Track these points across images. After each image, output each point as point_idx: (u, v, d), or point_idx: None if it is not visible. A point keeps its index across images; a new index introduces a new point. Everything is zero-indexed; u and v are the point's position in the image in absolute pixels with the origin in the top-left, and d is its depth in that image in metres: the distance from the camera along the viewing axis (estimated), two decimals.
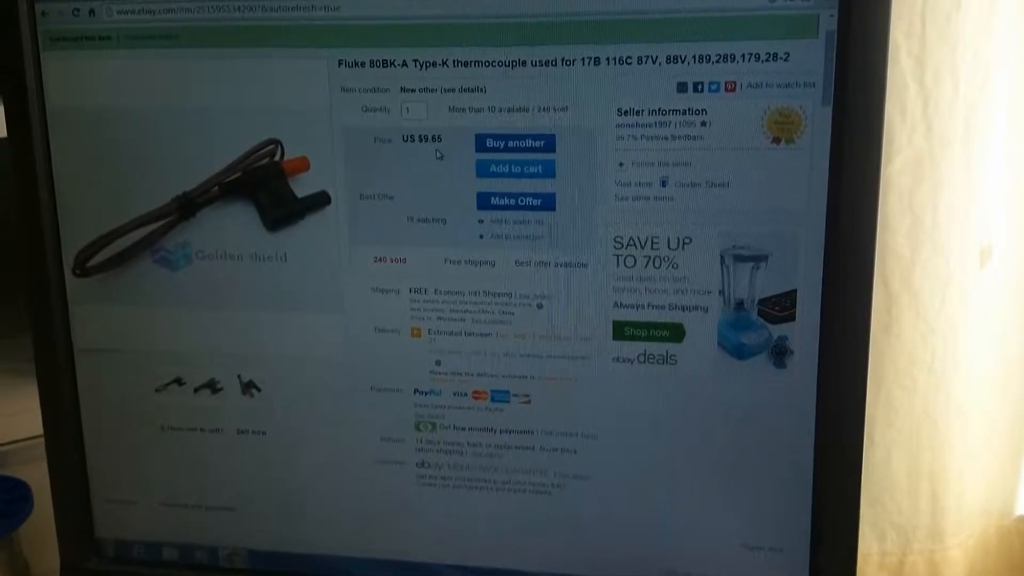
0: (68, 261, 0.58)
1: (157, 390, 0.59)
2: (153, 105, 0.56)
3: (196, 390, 0.59)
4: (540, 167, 0.53)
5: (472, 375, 0.56)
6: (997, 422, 0.78)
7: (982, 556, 0.80)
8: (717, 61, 0.50)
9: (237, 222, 0.56)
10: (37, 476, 0.68)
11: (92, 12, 0.55)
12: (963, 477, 0.77)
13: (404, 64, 0.53)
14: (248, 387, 0.58)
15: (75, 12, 0.55)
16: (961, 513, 0.78)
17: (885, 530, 0.78)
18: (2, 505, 0.70)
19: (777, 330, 0.52)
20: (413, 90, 0.53)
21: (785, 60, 0.49)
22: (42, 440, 0.61)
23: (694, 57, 0.50)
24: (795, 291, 0.52)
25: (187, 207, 0.56)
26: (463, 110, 0.53)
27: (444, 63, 0.52)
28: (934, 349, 0.74)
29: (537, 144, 0.52)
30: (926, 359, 0.74)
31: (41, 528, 0.68)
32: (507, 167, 0.53)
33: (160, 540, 0.62)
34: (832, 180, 0.50)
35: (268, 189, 0.55)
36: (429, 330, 0.56)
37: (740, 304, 0.52)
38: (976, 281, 0.73)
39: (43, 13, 0.55)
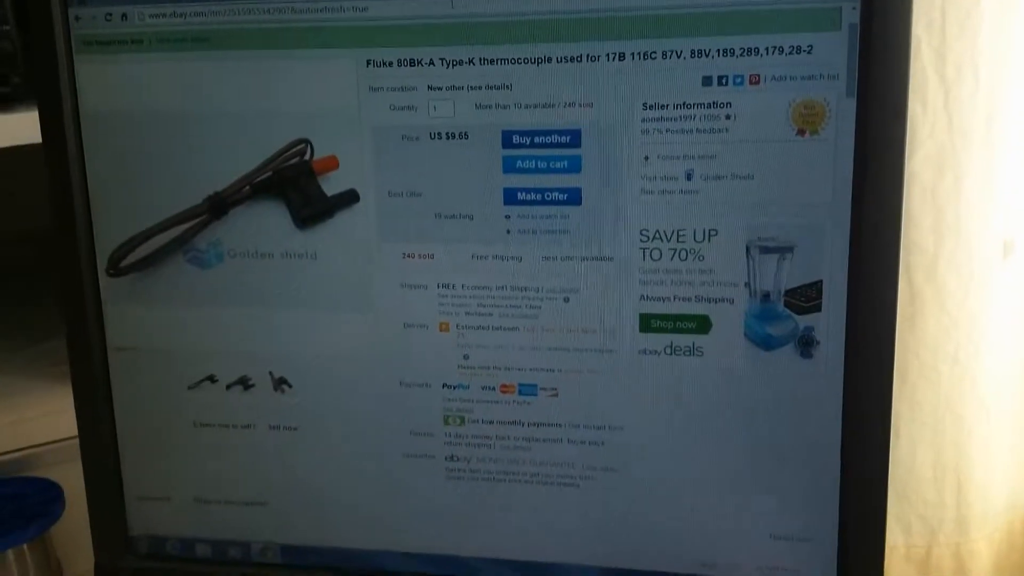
0: (102, 261, 0.59)
1: (190, 387, 0.60)
2: (184, 107, 0.56)
3: (228, 387, 0.60)
4: (566, 162, 0.53)
5: (500, 369, 0.56)
6: (1021, 415, 0.78)
7: (1007, 549, 0.80)
8: (741, 55, 0.50)
9: (268, 221, 0.57)
10: (68, 477, 0.69)
11: (124, 16, 0.56)
12: (988, 470, 0.77)
13: (431, 63, 0.53)
14: (280, 383, 0.59)
15: (108, 17, 0.56)
16: (986, 506, 0.78)
17: (911, 523, 0.78)
18: (35, 506, 0.71)
19: (804, 320, 0.53)
20: (440, 88, 0.54)
21: (808, 53, 0.50)
22: (73, 441, 0.62)
23: (718, 51, 0.51)
24: (821, 282, 0.52)
25: (219, 206, 0.57)
26: (490, 107, 0.53)
27: (470, 61, 0.53)
28: (958, 342, 0.74)
29: (563, 140, 0.53)
30: (950, 352, 0.74)
31: (73, 529, 0.69)
32: (533, 163, 0.54)
33: (193, 536, 0.63)
34: (857, 170, 0.51)
35: (298, 188, 0.56)
36: (457, 325, 0.56)
37: (766, 295, 0.53)
38: (999, 274, 0.74)
39: (76, 18, 0.56)
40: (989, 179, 0.71)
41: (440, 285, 0.56)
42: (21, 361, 0.88)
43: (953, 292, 0.73)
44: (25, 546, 0.70)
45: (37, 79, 0.57)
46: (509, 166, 0.54)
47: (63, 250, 0.59)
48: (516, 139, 0.54)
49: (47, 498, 0.72)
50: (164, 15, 0.55)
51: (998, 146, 0.71)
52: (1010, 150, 0.71)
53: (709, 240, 0.53)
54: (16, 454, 0.78)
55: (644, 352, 0.55)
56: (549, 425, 0.57)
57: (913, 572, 0.78)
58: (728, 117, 0.51)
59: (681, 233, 0.53)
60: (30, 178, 0.69)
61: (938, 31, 0.68)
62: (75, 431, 0.62)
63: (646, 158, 0.52)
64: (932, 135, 0.70)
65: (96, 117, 0.57)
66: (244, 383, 0.60)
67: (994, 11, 0.68)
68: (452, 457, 0.58)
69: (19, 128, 0.70)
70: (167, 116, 0.57)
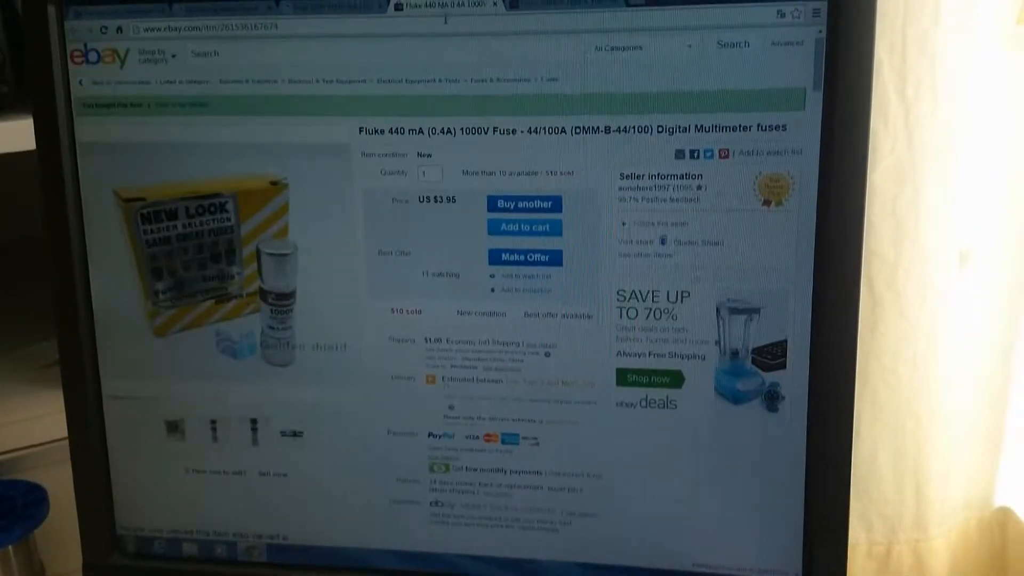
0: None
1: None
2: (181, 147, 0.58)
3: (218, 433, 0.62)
4: (548, 226, 0.56)
5: (484, 419, 0.59)
6: (977, 417, 0.81)
7: (964, 546, 0.83)
8: (712, 130, 0.53)
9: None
10: (52, 480, 0.70)
11: (119, 29, 0.57)
12: (946, 470, 0.80)
13: (421, 131, 0.55)
14: (271, 433, 0.61)
15: (103, 30, 0.57)
16: (944, 505, 0.81)
17: (872, 521, 0.81)
18: (19, 508, 0.71)
19: (770, 377, 0.56)
20: (429, 155, 0.56)
21: (775, 130, 0.53)
22: (56, 444, 0.63)
23: (691, 127, 0.53)
24: (786, 340, 0.55)
25: None
26: (476, 173, 0.56)
27: (459, 131, 0.55)
28: (916, 347, 0.76)
29: (545, 205, 0.56)
30: (909, 357, 0.77)
31: (57, 531, 0.70)
32: (517, 226, 0.56)
33: (181, 537, 0.65)
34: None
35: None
36: (443, 377, 0.59)
37: (735, 353, 0.56)
38: (956, 282, 0.76)
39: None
40: (946, 192, 0.73)
41: (427, 339, 0.58)
42: (5, 365, 0.89)
43: (912, 299, 0.75)
44: (10, 548, 0.71)
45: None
46: (494, 228, 0.56)
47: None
48: (501, 203, 0.56)
49: (31, 500, 0.72)
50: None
51: (955, 161, 0.73)
52: (966, 164, 0.73)
53: (682, 301, 0.56)
54: (0, 457, 0.79)
55: (621, 404, 0.58)
56: (530, 473, 0.59)
57: (875, 569, 0.82)
58: (699, 187, 0.54)
59: (656, 294, 0.56)
60: (17, 184, 0.70)
61: (899, 52, 0.70)
62: (59, 434, 0.63)
63: (623, 224, 0.55)
64: (893, 151, 0.72)
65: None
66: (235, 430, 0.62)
67: (951, 34, 0.70)
68: (437, 503, 0.61)
69: (8, 135, 0.71)
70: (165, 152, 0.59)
